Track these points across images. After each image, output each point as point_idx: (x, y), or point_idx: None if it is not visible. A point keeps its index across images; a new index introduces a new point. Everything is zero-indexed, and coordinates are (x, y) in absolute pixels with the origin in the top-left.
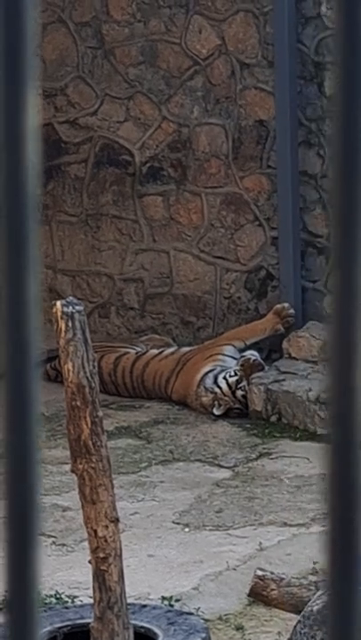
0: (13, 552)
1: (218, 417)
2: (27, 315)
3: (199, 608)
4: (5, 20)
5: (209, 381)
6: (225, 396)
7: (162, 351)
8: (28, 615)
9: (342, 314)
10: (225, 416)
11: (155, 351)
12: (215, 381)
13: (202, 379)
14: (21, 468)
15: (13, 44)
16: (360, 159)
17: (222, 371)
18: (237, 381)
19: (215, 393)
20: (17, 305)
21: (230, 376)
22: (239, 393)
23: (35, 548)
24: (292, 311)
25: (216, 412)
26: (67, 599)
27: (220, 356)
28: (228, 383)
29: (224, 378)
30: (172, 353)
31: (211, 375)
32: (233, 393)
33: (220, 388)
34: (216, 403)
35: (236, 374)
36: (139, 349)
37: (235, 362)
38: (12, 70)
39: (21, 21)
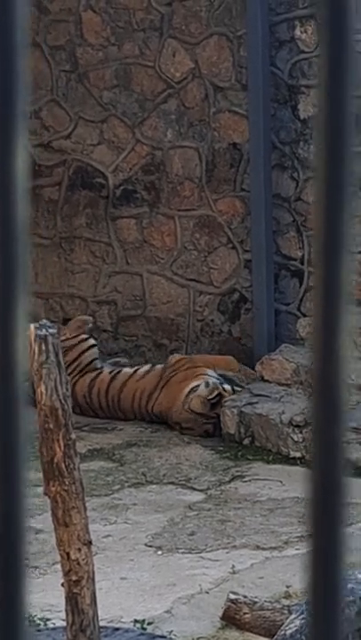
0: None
1: (193, 429)
2: (13, 339)
3: (172, 631)
4: None
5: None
6: (225, 391)
7: (136, 370)
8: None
9: (325, 337)
10: (197, 438)
11: (129, 370)
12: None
13: (190, 391)
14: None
15: (5, 89)
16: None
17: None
18: (236, 390)
19: (215, 385)
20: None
21: (236, 385)
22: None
23: (22, 570)
24: None
25: (209, 396)
26: (39, 622)
27: (207, 376)
28: (232, 387)
29: (230, 384)
30: (148, 371)
31: (202, 384)
32: (232, 392)
33: (222, 386)
34: (212, 390)
35: (240, 387)
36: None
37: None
38: (2, 115)
39: (14, 66)
